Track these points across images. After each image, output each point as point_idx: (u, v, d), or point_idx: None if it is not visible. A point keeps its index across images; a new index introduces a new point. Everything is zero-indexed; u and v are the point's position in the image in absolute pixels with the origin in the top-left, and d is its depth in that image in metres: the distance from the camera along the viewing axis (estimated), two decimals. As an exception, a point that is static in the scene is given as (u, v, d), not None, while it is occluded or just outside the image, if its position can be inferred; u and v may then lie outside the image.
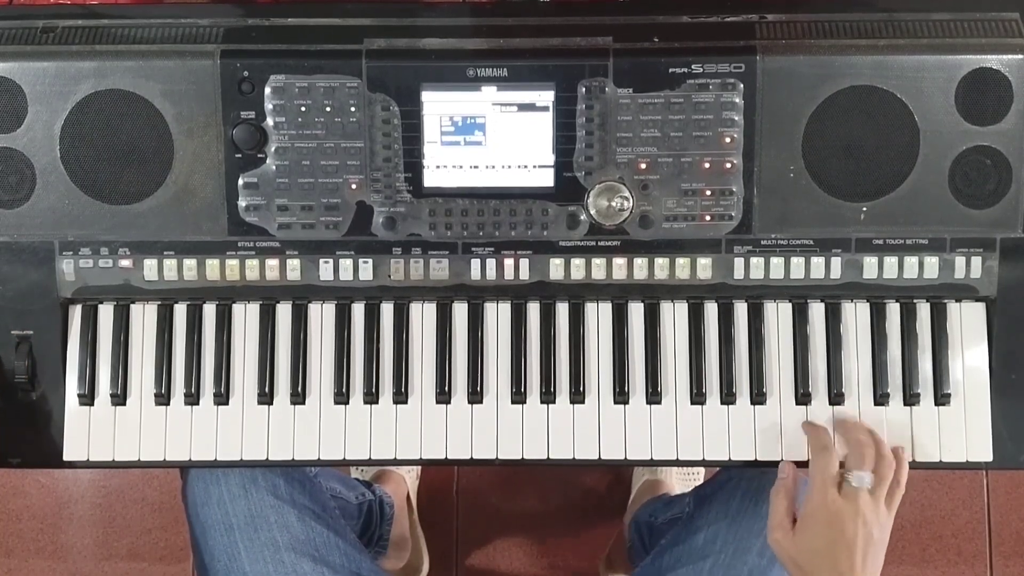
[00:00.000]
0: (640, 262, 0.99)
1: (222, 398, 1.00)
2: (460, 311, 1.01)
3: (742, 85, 0.96)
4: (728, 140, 0.97)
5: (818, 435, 0.97)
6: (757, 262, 0.98)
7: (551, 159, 0.98)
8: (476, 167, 0.98)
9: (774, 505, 0.95)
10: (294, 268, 0.99)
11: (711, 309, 1.00)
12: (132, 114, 0.96)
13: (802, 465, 0.98)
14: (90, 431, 1.00)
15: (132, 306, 1.01)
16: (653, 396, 0.99)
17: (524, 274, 0.99)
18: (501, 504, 1.61)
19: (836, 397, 0.99)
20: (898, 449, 0.97)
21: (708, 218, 0.98)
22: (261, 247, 0.99)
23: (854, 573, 0.90)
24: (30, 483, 1.64)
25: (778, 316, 1.00)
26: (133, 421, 1.00)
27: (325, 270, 0.99)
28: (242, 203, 0.98)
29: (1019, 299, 0.99)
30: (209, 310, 1.01)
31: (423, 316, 1.01)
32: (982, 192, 0.97)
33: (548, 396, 0.99)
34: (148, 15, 0.99)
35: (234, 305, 1.01)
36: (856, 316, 1.00)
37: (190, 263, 0.99)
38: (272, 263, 0.99)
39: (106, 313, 1.01)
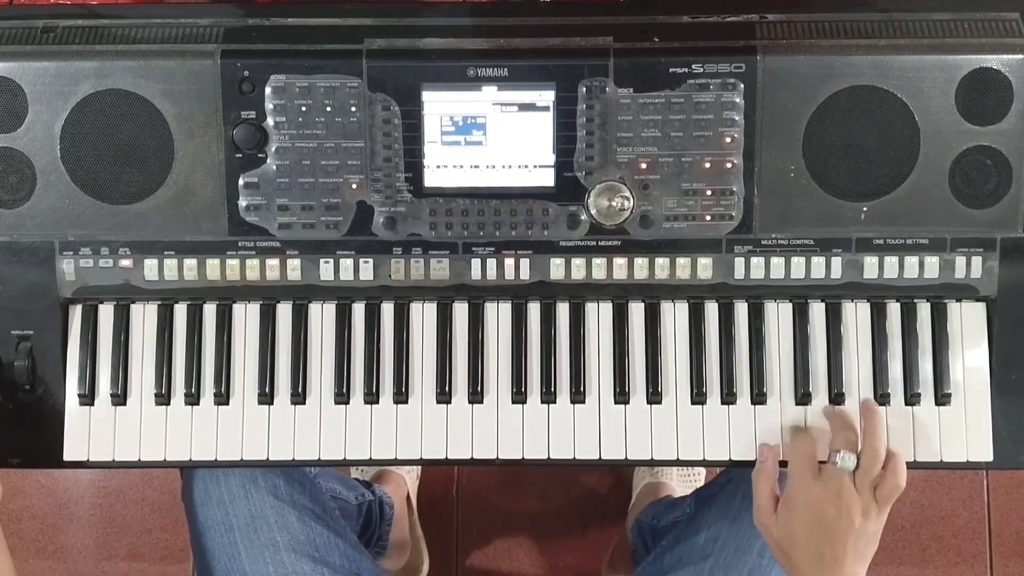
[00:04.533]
0: (641, 262, 0.99)
1: (222, 398, 1.00)
2: (460, 311, 1.01)
3: (742, 85, 0.96)
4: (728, 140, 0.97)
5: (796, 427, 0.98)
6: (758, 262, 0.98)
7: (551, 159, 0.98)
8: (476, 167, 0.98)
9: (756, 488, 0.96)
10: (294, 268, 0.99)
11: (711, 309, 1.00)
12: (132, 114, 0.96)
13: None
14: (90, 431, 1.00)
15: (132, 306, 1.01)
16: (653, 396, 0.99)
17: (524, 274, 0.99)
18: (501, 504, 1.61)
19: (836, 397, 0.99)
20: (892, 448, 0.95)
21: (708, 218, 0.98)
22: (261, 247, 0.99)
23: (836, 559, 0.89)
24: (30, 483, 1.64)
25: (778, 316, 1.00)
26: (133, 421, 1.00)
27: (325, 270, 0.99)
28: (242, 203, 0.98)
29: (1019, 299, 0.99)
30: (209, 310, 1.01)
31: (423, 316, 1.01)
32: (982, 192, 0.97)
33: (548, 396, 0.99)
34: (148, 15, 0.99)
35: (234, 305, 1.01)
36: (856, 316, 1.00)
37: (190, 263, 0.99)
38: (272, 263, 0.99)
39: (106, 313, 1.01)
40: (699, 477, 1.54)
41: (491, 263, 0.99)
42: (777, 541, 0.93)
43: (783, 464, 0.97)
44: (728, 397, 0.99)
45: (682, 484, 1.52)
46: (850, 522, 0.90)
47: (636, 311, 1.01)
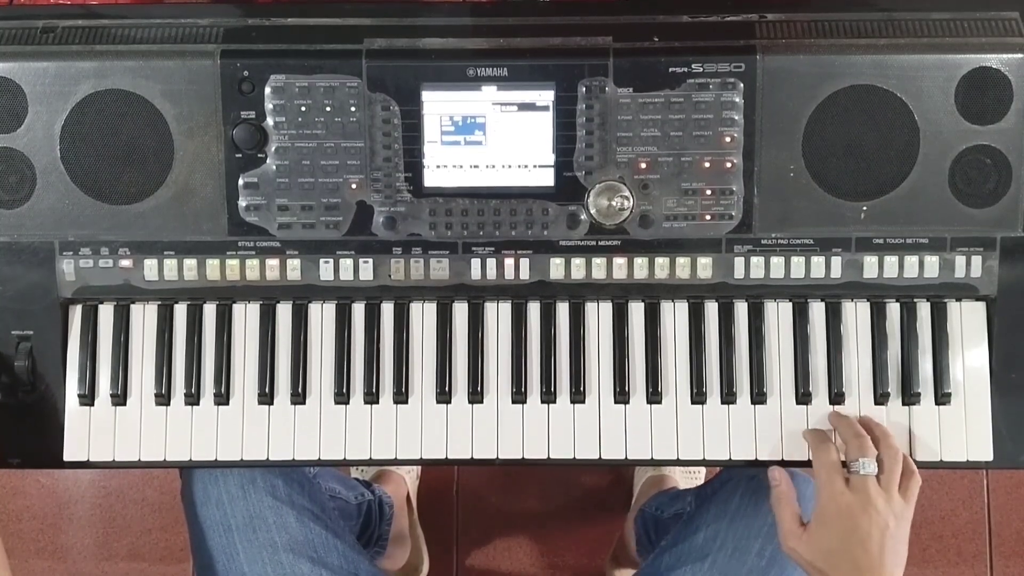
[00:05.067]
0: (640, 262, 0.99)
1: (222, 398, 1.00)
2: (460, 311, 1.01)
3: (742, 84, 0.96)
4: (728, 139, 0.97)
5: (816, 432, 0.97)
6: (757, 261, 0.98)
7: (551, 159, 0.98)
8: (476, 167, 0.98)
9: (778, 514, 0.95)
10: (294, 268, 0.99)
11: (711, 308, 1.00)
12: (132, 114, 0.96)
13: (794, 464, 0.98)
14: (90, 431, 1.00)
15: (132, 306, 1.01)
16: (653, 396, 0.99)
17: (524, 274, 0.99)
18: (501, 504, 1.61)
19: (836, 397, 0.99)
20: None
21: (708, 217, 0.98)
22: (261, 247, 0.99)
23: (873, 567, 0.89)
24: (30, 483, 1.64)
25: (778, 315, 1.00)
26: (133, 421, 1.00)
27: (325, 270, 0.99)
28: (242, 203, 0.98)
29: (1019, 298, 0.99)
30: (209, 310, 1.01)
31: (423, 316, 1.01)
32: (982, 191, 0.97)
33: (548, 396, 0.99)
34: (148, 15, 0.99)
35: (234, 305, 1.01)
36: (856, 315, 1.00)
37: (190, 263, 0.99)
38: (272, 263, 0.99)
39: (106, 313, 1.01)
40: (700, 473, 1.54)
41: (491, 263, 0.99)
42: (811, 561, 0.92)
43: (799, 464, 0.97)
44: (728, 397, 0.99)
45: (684, 477, 1.53)
46: (885, 527, 0.90)
47: (636, 311, 1.01)
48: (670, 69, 0.96)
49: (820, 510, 0.92)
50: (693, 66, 0.96)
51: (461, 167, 0.98)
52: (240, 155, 0.97)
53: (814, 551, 0.91)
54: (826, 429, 0.98)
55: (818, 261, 0.98)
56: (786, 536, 0.94)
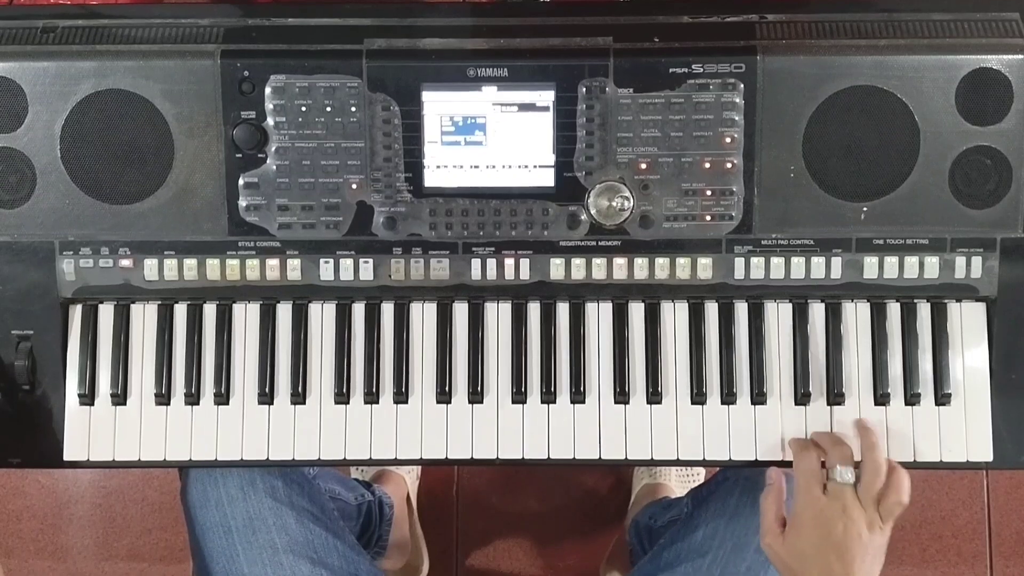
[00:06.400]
0: (641, 262, 0.99)
1: (222, 398, 1.00)
2: (460, 311, 1.01)
3: (742, 85, 0.96)
4: (728, 140, 0.97)
5: (800, 439, 0.98)
6: (757, 262, 0.98)
7: (551, 159, 0.98)
8: (476, 167, 0.98)
9: (763, 510, 0.95)
10: (294, 268, 0.99)
11: (711, 309, 1.00)
12: (132, 114, 0.96)
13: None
14: (90, 431, 1.00)
15: (132, 306, 1.01)
16: (653, 396, 0.99)
17: (524, 274, 0.99)
18: (501, 504, 1.61)
19: (836, 397, 0.99)
20: (891, 461, 0.94)
21: (708, 218, 0.98)
22: (261, 247, 0.99)
23: (846, 574, 0.89)
24: (30, 483, 1.64)
25: (778, 316, 1.00)
26: (133, 421, 1.00)
27: (325, 270, 0.99)
28: (242, 203, 0.98)
29: (1019, 299, 0.99)
30: (209, 310, 1.01)
31: (423, 316, 1.01)
32: (982, 192, 0.97)
33: (548, 396, 0.99)
34: (148, 15, 0.99)
35: (234, 305, 1.01)
36: (856, 316, 1.00)
37: (190, 263, 0.99)
38: (272, 263, 0.99)
39: (106, 313, 1.01)
40: (698, 478, 1.54)
41: (491, 263, 0.99)
42: (786, 561, 0.92)
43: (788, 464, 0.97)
44: (728, 397, 0.99)
45: (681, 485, 1.52)
46: (858, 536, 0.90)
47: (636, 311, 1.01)
48: (670, 70, 0.96)
49: (796, 513, 0.93)
50: (693, 67, 0.96)
51: (461, 167, 0.98)
52: (240, 155, 0.97)
53: (788, 552, 0.92)
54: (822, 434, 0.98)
55: (818, 262, 0.98)
56: (765, 533, 0.95)
